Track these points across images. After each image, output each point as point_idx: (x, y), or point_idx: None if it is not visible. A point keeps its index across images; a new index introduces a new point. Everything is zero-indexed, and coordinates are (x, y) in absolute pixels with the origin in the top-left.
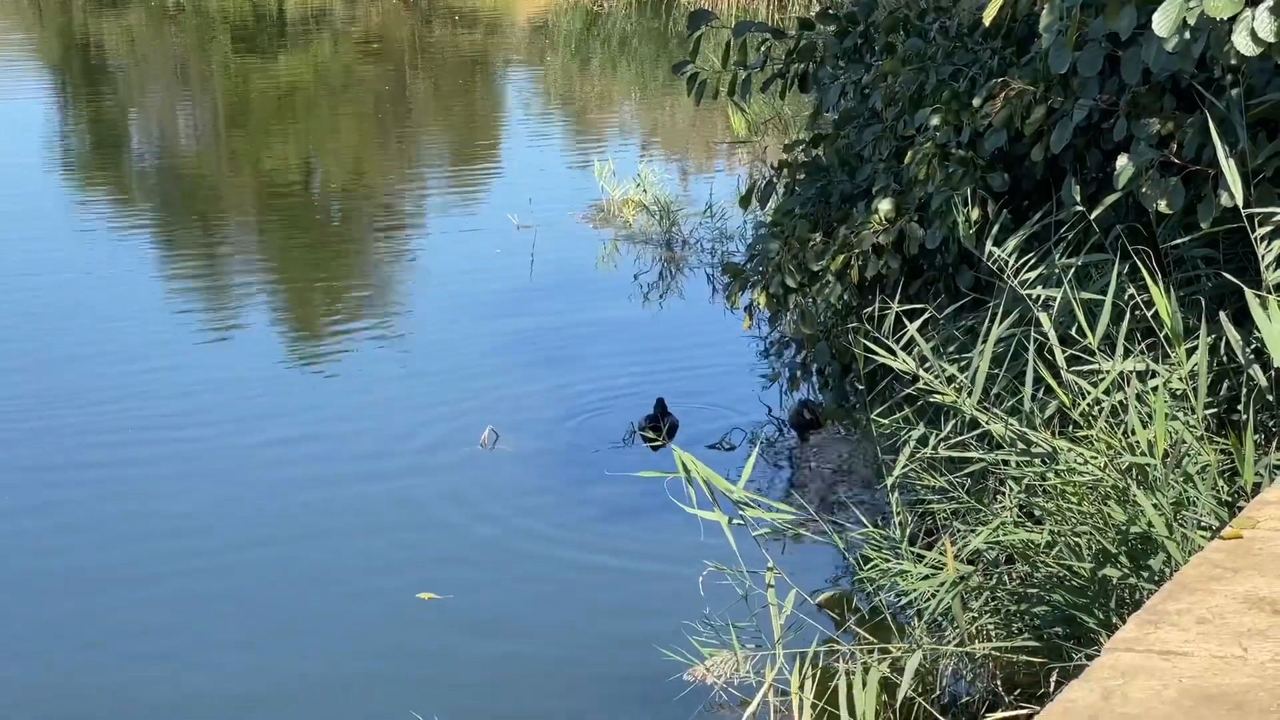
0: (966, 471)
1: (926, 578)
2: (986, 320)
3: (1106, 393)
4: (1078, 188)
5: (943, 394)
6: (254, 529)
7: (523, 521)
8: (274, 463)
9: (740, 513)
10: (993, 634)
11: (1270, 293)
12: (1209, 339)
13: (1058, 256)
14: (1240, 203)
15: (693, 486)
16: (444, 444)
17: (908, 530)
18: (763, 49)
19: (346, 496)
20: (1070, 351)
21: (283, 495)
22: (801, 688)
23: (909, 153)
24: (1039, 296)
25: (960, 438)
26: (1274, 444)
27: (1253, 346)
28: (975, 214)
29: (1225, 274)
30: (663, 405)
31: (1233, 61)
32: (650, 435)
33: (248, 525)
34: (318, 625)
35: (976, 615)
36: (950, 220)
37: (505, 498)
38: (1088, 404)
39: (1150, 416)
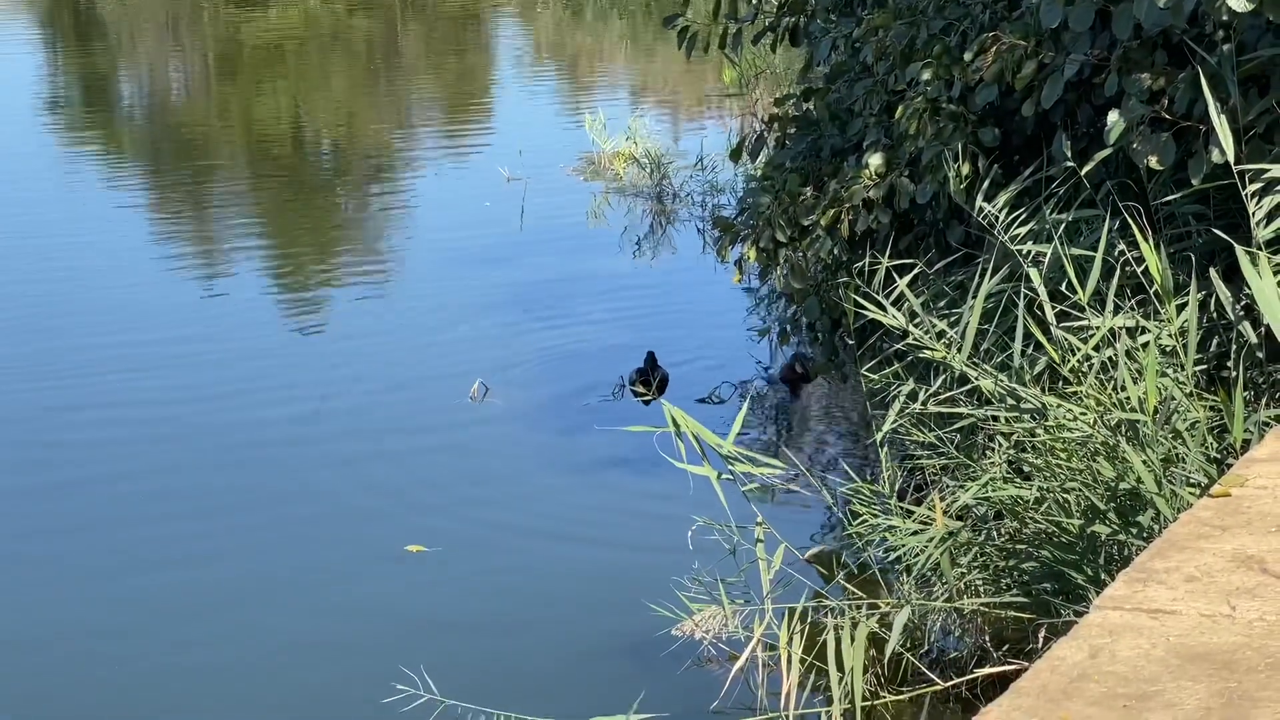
0: (956, 427)
1: (915, 533)
2: (977, 276)
3: (1096, 349)
4: (1068, 143)
5: (932, 349)
6: (240, 488)
7: (511, 475)
8: (261, 422)
9: (729, 468)
10: (981, 590)
11: (1260, 249)
12: (1199, 295)
13: (1048, 212)
14: (1231, 159)
15: (682, 441)
16: (434, 396)
17: (896, 486)
18: (754, 2)
19: (337, 451)
20: (1060, 307)
21: (270, 450)
22: (790, 643)
23: (900, 107)
24: (1029, 252)
25: (950, 393)
26: (1263, 401)
27: (1243, 303)
28: (966, 169)
29: (1215, 230)
30: (653, 359)
31: (1224, 17)
32: (640, 389)
33: (234, 481)
34: (306, 581)
35: (965, 571)
36: (941, 175)
37: (494, 451)
38: (1078, 360)
39: (1140, 373)
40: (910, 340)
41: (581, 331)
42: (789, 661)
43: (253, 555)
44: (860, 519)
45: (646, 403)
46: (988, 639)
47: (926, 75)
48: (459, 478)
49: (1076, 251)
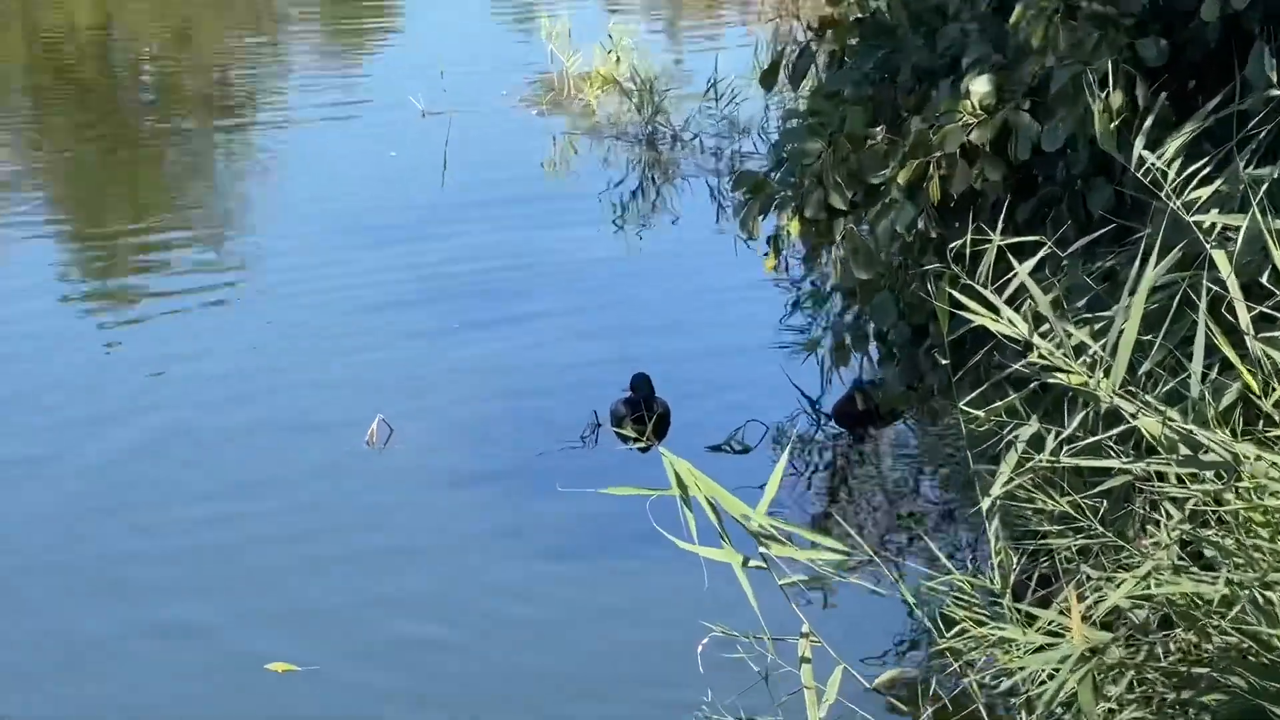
0: (1102, 489)
1: (1040, 649)
2: (1134, 262)
3: None
4: (1273, 62)
5: (1068, 371)
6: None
7: (424, 560)
8: (47, 479)
9: (761, 549)
10: None
11: None
12: None
13: (1242, 166)
14: None
15: (690, 509)
16: (309, 442)
17: (1012, 577)
18: None
19: (159, 524)
20: (1261, 309)
21: (53, 535)
22: None
23: (1017, 8)
24: (1213, 226)
25: (1094, 438)
26: None
27: None
28: (1117, 100)
29: None
30: (646, 385)
31: None
32: (627, 430)
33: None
34: (142, 698)
35: (1116, 707)
36: (1080, 110)
37: (399, 525)
38: None
39: None
40: (1034, 358)
41: (535, 344)
42: None
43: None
44: (956, 628)
45: (644, 449)
46: None
47: None
48: (345, 564)
49: None
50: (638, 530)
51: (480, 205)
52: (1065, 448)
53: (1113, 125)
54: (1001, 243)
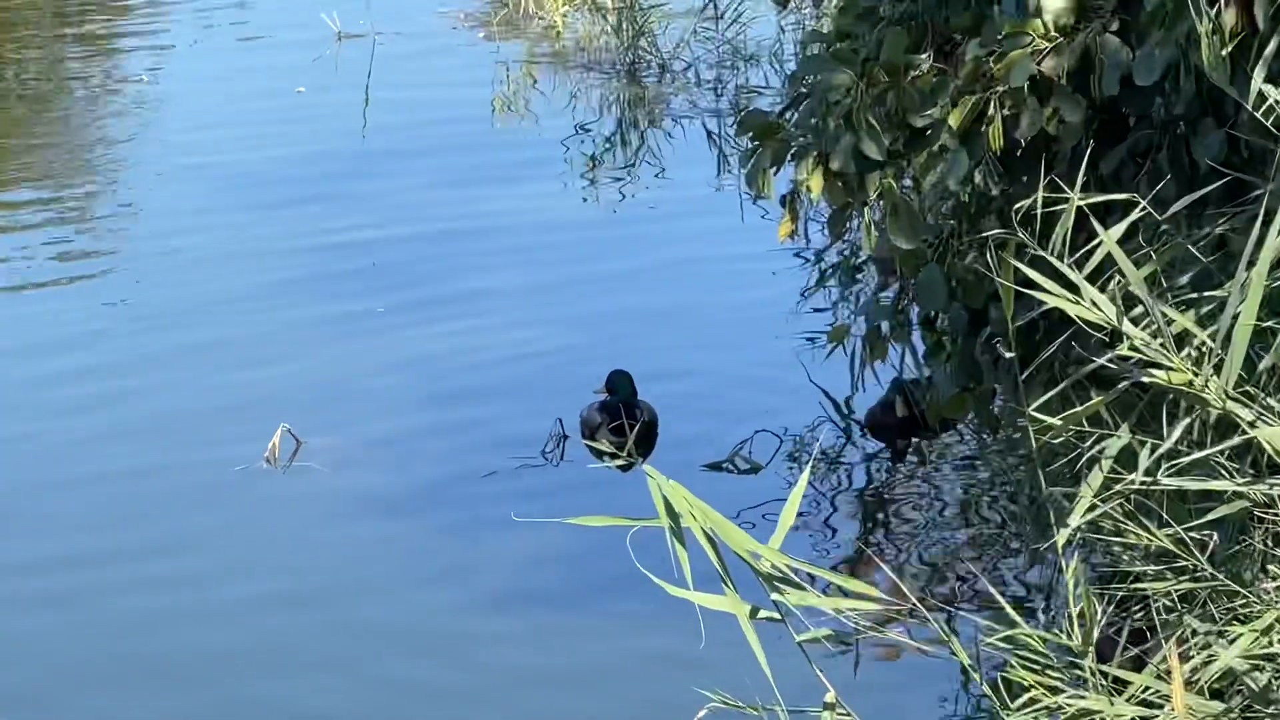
0: (1212, 518)
1: None
2: (1251, 227)
3: None
4: None
5: (1167, 368)
6: None
7: (338, 614)
8: None
9: (774, 596)
10: None
11: None
12: None
13: None
14: None
15: (682, 544)
16: (188, 460)
17: (1095, 631)
18: None
19: (20, 565)
20: None
21: None
22: None
23: None
24: None
25: (1200, 453)
26: None
27: None
28: (1230, 19)
29: None
30: (626, 386)
31: None
32: (602, 444)
33: None
34: None
35: None
36: (1182, 32)
37: (304, 566)
38: None
39: None
40: (1124, 351)
41: (483, 333)
42: None
43: None
44: (1025, 696)
45: (624, 468)
46: None
47: None
48: (234, 618)
49: None
50: (616, 572)
51: (412, 155)
52: (1164, 465)
53: (1225, 52)
54: (1082, 202)
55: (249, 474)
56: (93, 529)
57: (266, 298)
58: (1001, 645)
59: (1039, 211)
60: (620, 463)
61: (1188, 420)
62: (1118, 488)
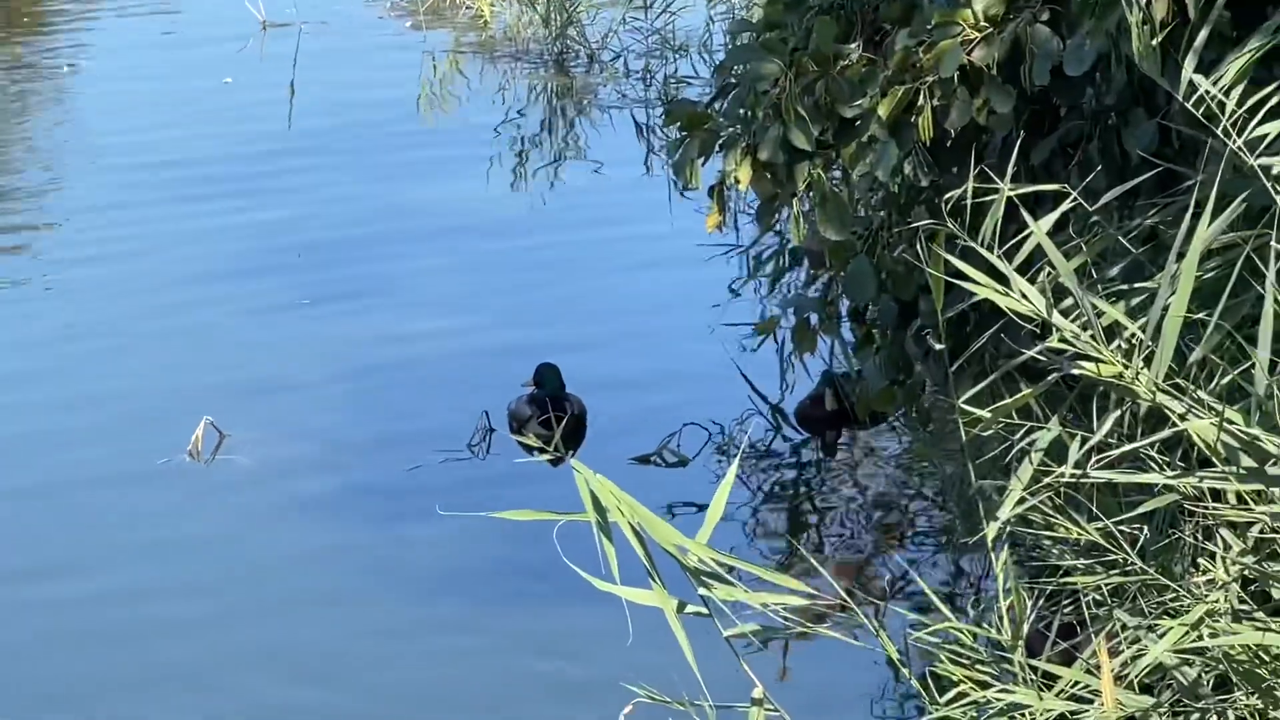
0: (1141, 512)
1: (1062, 717)
2: (1182, 219)
3: None
4: None
5: (1098, 360)
6: None
7: (264, 609)
8: None
9: (701, 591)
10: None
11: None
12: None
13: None
14: None
15: (609, 538)
16: (107, 453)
17: (1025, 626)
18: None
19: None
20: None
21: None
22: None
23: None
24: None
25: (1130, 446)
26: None
27: None
28: (1162, 8)
29: None
30: (554, 378)
31: None
32: (529, 439)
33: None
34: None
35: None
36: (1113, 21)
37: (228, 561)
38: None
39: None
40: (1054, 343)
41: (409, 325)
42: None
43: None
44: (953, 691)
45: (553, 462)
46: None
47: None
48: (156, 617)
49: None
50: (543, 566)
51: (338, 146)
52: (1094, 458)
53: (1156, 41)
54: (1012, 193)
55: (171, 468)
56: (7, 525)
57: (190, 289)
58: (931, 639)
59: (969, 202)
60: (548, 457)
61: (1118, 413)
62: (1047, 481)
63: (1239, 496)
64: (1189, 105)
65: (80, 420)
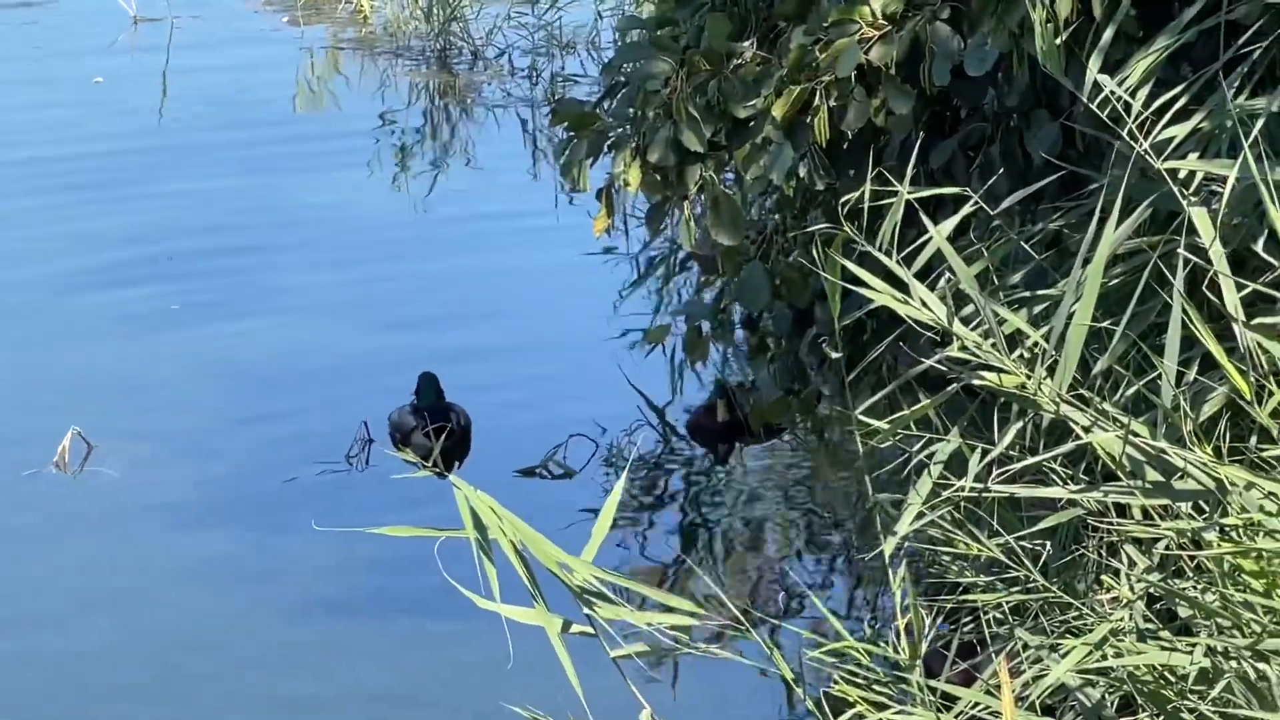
0: (1044, 527)
1: None
2: (1087, 224)
3: None
4: None
5: (999, 370)
6: None
7: (134, 628)
8: None
9: (587, 611)
10: None
11: None
12: None
13: (1231, 97)
14: None
15: (489, 557)
16: None
17: (923, 645)
18: None
19: None
20: (1255, 286)
21: None
22: None
23: None
24: (1192, 176)
25: (1033, 459)
26: None
27: None
28: (1065, 7)
29: None
30: (432, 389)
31: None
32: (410, 449)
33: None
34: None
35: None
36: (1015, 19)
37: (96, 577)
38: None
39: None
40: (954, 352)
41: (284, 332)
42: None
43: None
44: (850, 713)
45: (441, 475)
46: None
47: None
48: (21, 639)
49: None
50: (425, 585)
51: (211, 145)
52: (995, 471)
53: (1060, 40)
54: (911, 196)
55: (36, 480)
56: None
57: (57, 293)
58: (826, 659)
59: (866, 206)
60: (433, 469)
61: (1020, 425)
62: (947, 495)
63: (1144, 512)
64: (1094, 106)
65: None
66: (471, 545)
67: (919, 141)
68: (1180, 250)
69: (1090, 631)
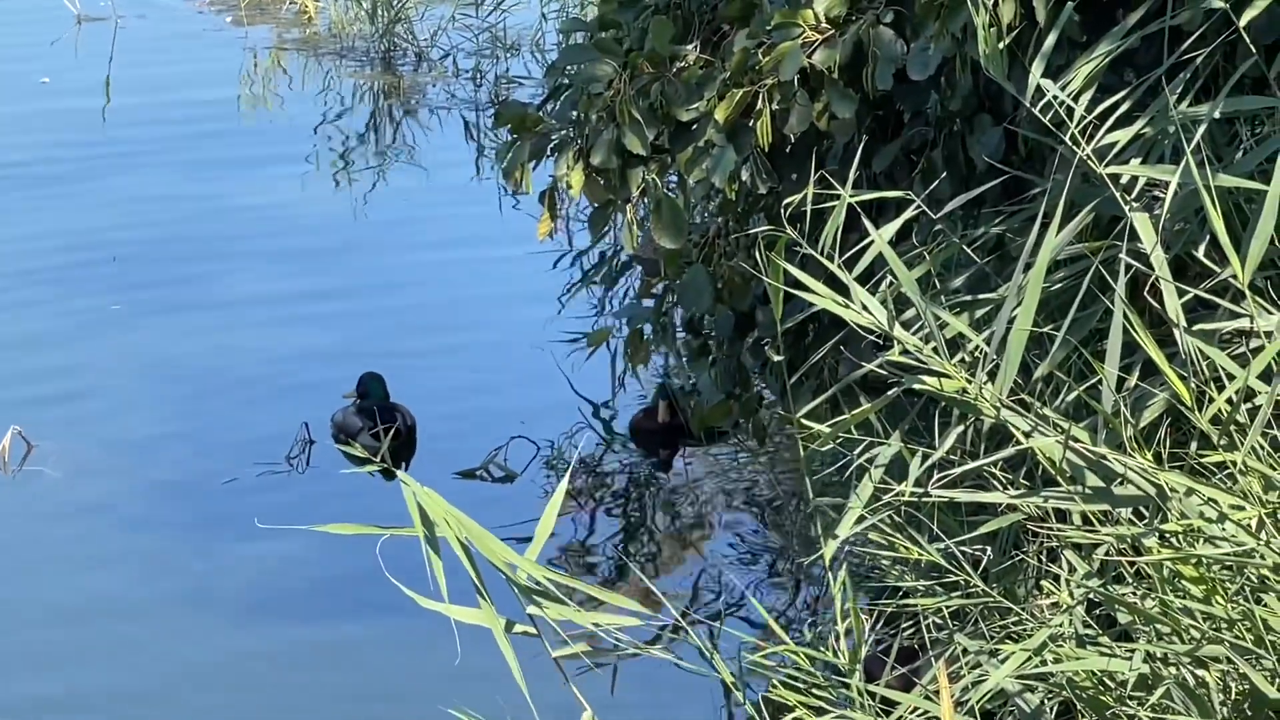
0: (984, 532)
1: None
2: (1029, 229)
3: (1267, 378)
4: None
5: (940, 375)
6: None
7: (73, 631)
8: None
9: (530, 611)
10: None
11: None
12: None
13: (1173, 103)
14: None
15: (437, 555)
16: None
17: (863, 649)
18: None
19: None
20: (1197, 292)
21: None
22: None
23: None
24: (1134, 182)
25: (973, 464)
26: None
27: None
28: (1009, 11)
29: None
30: (378, 388)
31: None
32: (354, 449)
33: None
34: None
35: None
36: (958, 24)
37: (37, 577)
38: (1227, 400)
39: None
40: (895, 356)
41: (226, 332)
42: None
43: None
44: (789, 716)
45: (389, 476)
46: None
47: None
48: None
49: (1229, 181)
50: (367, 584)
51: (155, 146)
52: (936, 476)
53: (1002, 45)
54: (853, 200)
55: None
56: None
57: None
58: (766, 662)
59: (809, 210)
60: (378, 468)
61: (960, 429)
62: (887, 499)
63: (1084, 517)
64: (1036, 111)
65: None
66: (420, 543)
67: (862, 145)
68: (1122, 256)
69: (1030, 637)
